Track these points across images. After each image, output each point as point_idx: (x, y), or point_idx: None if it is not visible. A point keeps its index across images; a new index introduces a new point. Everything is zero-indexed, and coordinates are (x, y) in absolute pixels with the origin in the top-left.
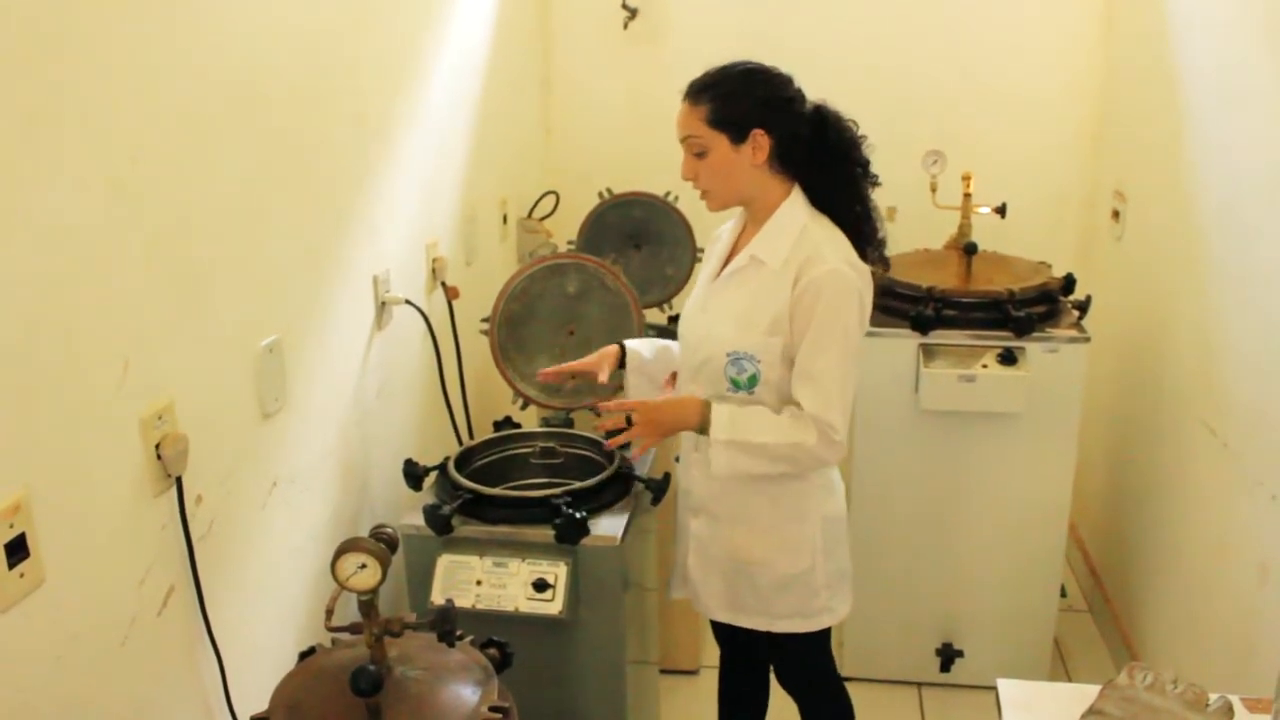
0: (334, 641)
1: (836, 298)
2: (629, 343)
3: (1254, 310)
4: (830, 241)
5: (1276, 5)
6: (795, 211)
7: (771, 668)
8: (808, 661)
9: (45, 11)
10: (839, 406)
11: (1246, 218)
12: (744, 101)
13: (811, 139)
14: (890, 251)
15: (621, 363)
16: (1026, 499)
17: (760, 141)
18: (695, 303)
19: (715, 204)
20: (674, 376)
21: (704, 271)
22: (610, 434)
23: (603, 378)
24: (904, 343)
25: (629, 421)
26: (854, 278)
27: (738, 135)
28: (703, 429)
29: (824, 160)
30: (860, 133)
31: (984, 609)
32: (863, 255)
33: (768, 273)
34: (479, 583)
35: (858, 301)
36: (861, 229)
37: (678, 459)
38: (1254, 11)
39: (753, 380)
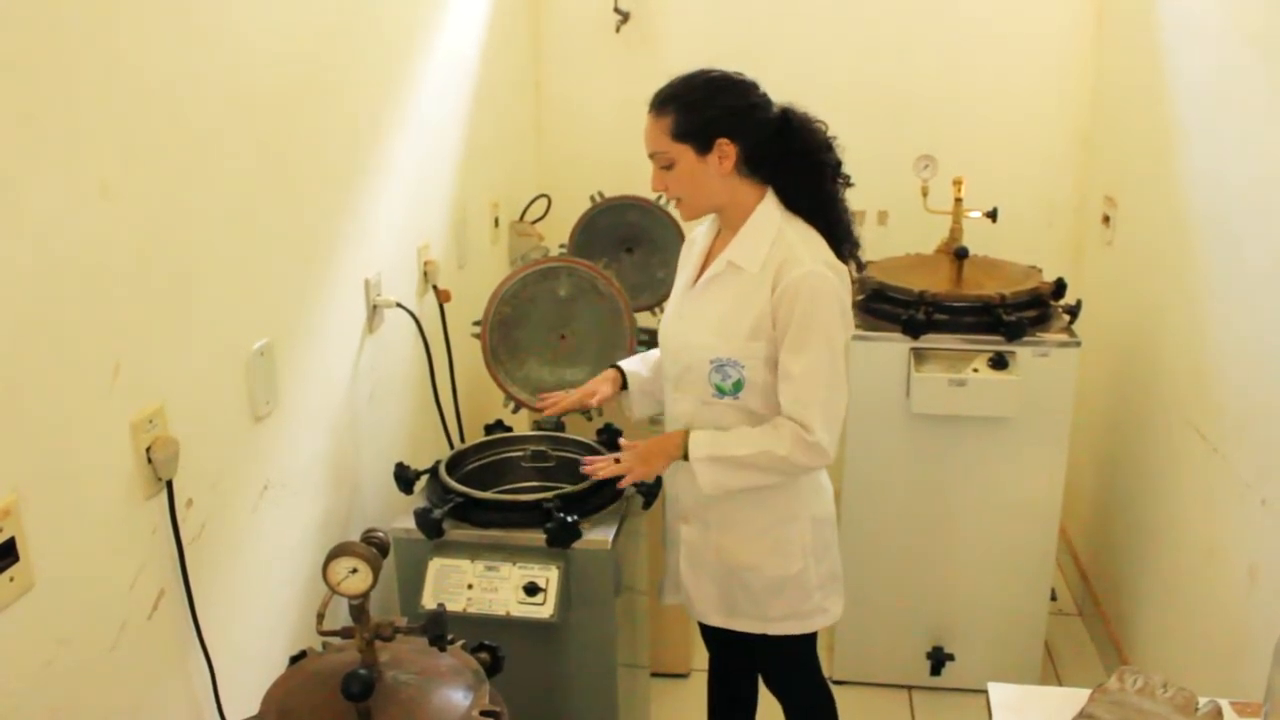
0: (325, 646)
1: (814, 299)
2: (625, 365)
3: (1243, 315)
4: (806, 243)
5: (1266, 15)
6: (769, 215)
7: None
8: (796, 663)
9: (38, 14)
10: (818, 408)
11: (1235, 224)
12: (707, 111)
13: (779, 143)
14: (881, 255)
15: (624, 385)
16: (1017, 503)
17: (726, 150)
18: (673, 310)
19: (688, 213)
20: None
21: (680, 278)
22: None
23: (594, 401)
24: (895, 347)
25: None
26: (832, 278)
27: (703, 146)
28: (686, 454)
29: (793, 163)
30: (830, 134)
31: (975, 612)
32: (839, 255)
33: (746, 278)
34: (470, 586)
35: (836, 302)
36: (835, 229)
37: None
38: (1244, 21)
39: (738, 386)
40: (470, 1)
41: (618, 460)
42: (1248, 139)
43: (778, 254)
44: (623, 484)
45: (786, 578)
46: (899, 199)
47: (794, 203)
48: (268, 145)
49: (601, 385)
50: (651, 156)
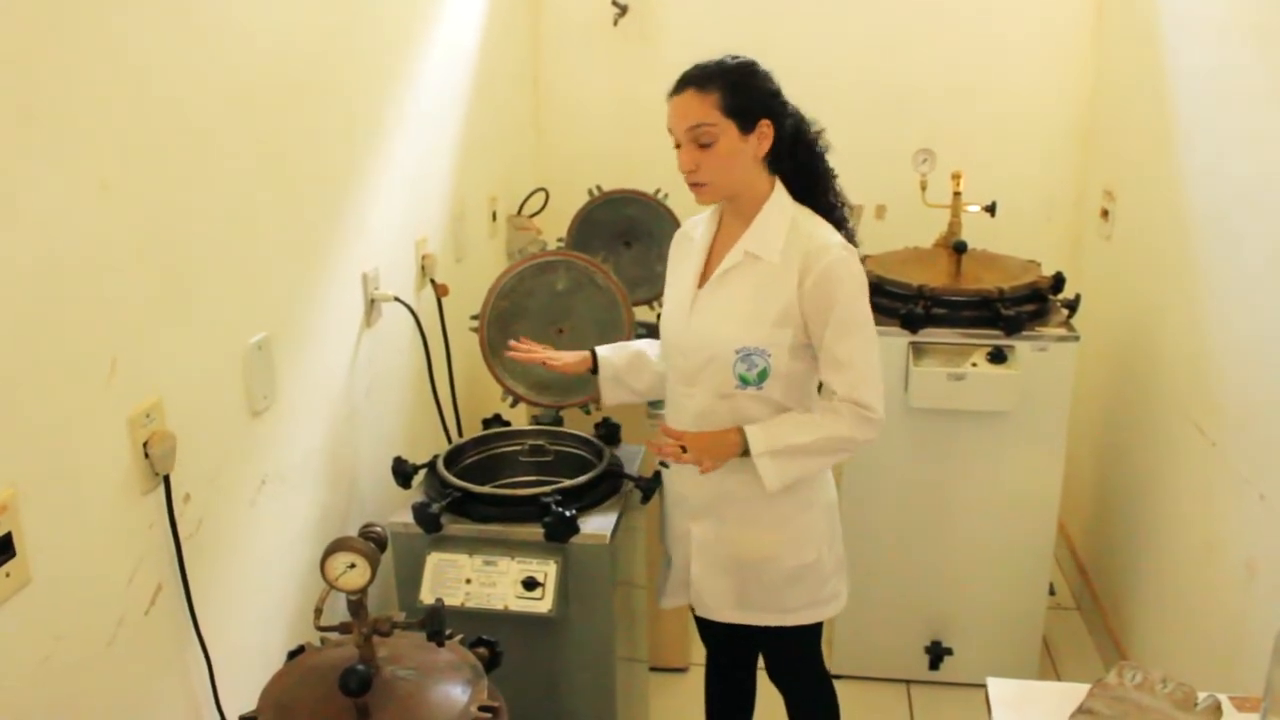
0: (323, 641)
1: (851, 283)
2: (601, 351)
3: (1242, 310)
4: (824, 230)
5: (1266, 10)
6: (782, 204)
7: (760, 664)
8: (805, 654)
9: (38, 12)
10: (871, 385)
11: (1234, 219)
12: (752, 91)
13: (794, 132)
14: (880, 249)
15: (594, 369)
16: (1016, 497)
17: (766, 132)
18: (682, 307)
19: (711, 196)
20: None
21: (681, 274)
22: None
23: (553, 364)
24: (894, 341)
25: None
26: (856, 259)
27: (747, 125)
28: (744, 452)
29: (800, 153)
30: (818, 128)
31: (973, 607)
32: None
33: (765, 267)
34: (468, 581)
35: (863, 282)
36: (830, 218)
37: (665, 465)
38: (1244, 16)
39: (763, 375)
40: None
41: (684, 449)
42: (1247, 135)
43: (798, 242)
44: (704, 470)
45: (804, 566)
46: (897, 193)
47: (800, 192)
48: (265, 140)
49: (567, 355)
50: (692, 130)
